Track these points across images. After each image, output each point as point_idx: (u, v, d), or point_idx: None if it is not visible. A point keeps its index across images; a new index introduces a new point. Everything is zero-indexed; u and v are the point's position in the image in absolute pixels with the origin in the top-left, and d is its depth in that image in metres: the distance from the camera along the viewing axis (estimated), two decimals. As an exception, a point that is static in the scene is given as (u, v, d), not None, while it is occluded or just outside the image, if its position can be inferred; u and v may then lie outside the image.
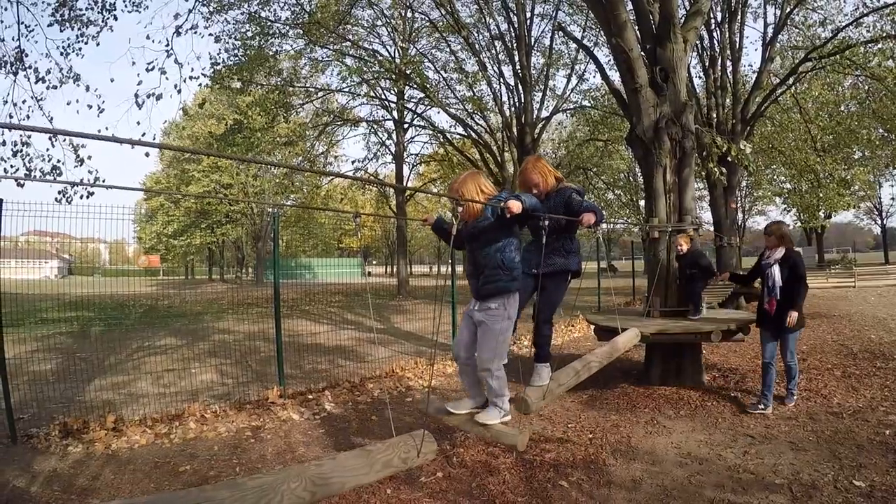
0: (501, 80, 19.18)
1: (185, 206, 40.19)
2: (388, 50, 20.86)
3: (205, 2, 13.22)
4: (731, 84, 16.04)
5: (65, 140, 8.90)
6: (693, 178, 7.41)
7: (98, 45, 10.01)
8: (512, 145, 19.06)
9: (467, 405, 3.38)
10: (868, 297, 17.04)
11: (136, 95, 10.10)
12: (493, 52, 18.89)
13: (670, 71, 7.07)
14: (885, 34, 13.96)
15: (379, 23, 19.87)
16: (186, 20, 11.30)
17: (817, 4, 16.52)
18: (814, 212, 25.26)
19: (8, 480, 4.32)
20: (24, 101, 9.19)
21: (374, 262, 68.41)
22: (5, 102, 8.94)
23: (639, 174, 26.04)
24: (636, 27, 7.73)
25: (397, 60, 18.89)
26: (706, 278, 6.69)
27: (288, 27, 15.67)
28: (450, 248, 3.27)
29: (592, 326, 7.39)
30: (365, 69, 17.87)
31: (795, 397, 5.73)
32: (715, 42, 16.29)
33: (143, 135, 10.55)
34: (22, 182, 7.57)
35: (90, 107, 9.35)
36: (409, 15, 20.48)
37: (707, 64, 16.55)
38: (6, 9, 9.03)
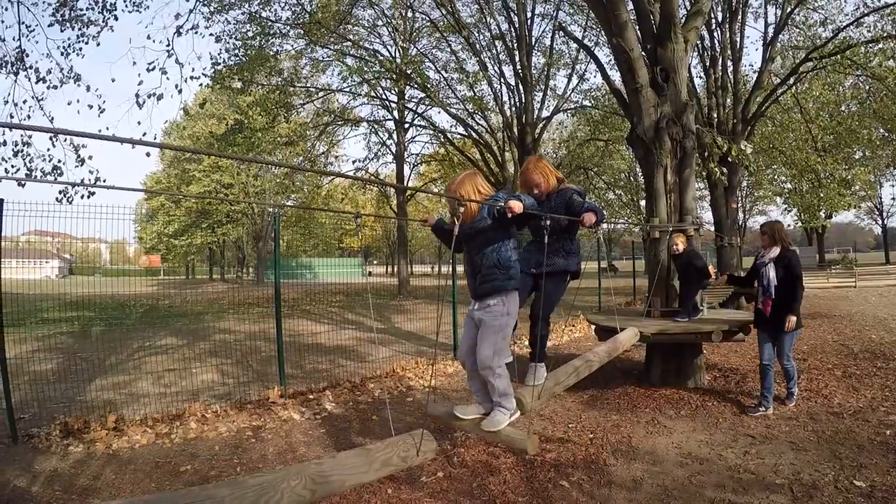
0: (502, 79, 19.20)
1: (185, 206, 40.22)
2: (388, 50, 20.88)
3: (206, 2, 13.23)
4: (732, 84, 16.04)
5: (66, 140, 8.92)
6: (694, 178, 7.41)
7: (98, 45, 10.03)
8: (513, 145, 19.06)
9: (476, 410, 3.37)
10: (869, 297, 17.03)
11: (137, 95, 10.10)
12: (494, 51, 18.89)
13: (671, 71, 7.07)
14: (885, 34, 13.96)
15: (379, 23, 19.88)
16: (187, 20, 11.33)
17: (818, 4, 16.51)
18: (814, 212, 25.24)
19: (9, 480, 4.32)
20: (24, 101, 9.20)
21: (375, 262, 68.45)
22: (6, 102, 8.97)
23: (639, 174, 26.12)
24: (637, 27, 7.73)
25: (398, 60, 18.89)
26: (700, 280, 6.62)
27: (289, 27, 15.68)
28: (450, 249, 3.27)
29: (593, 326, 7.39)
30: (366, 69, 17.86)
31: (796, 397, 5.70)
32: (716, 42, 16.28)
33: (144, 134, 10.55)
34: (23, 182, 7.57)
35: (91, 107, 9.37)
36: (409, 15, 20.47)
37: (708, 64, 16.55)
38: (7, 9, 9.04)
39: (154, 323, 14.12)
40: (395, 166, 24.94)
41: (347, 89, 19.89)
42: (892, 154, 23.22)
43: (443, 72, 20.08)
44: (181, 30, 11.14)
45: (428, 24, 19.46)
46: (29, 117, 9.08)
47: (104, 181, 9.27)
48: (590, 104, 21.09)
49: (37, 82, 9.15)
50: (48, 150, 8.93)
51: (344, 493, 3.75)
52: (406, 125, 23.83)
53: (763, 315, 5.62)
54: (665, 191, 7.01)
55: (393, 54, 20.52)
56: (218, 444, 5.19)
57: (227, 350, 10.24)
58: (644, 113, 7.05)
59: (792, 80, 15.50)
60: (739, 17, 16.06)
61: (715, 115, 16.16)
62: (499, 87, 19.07)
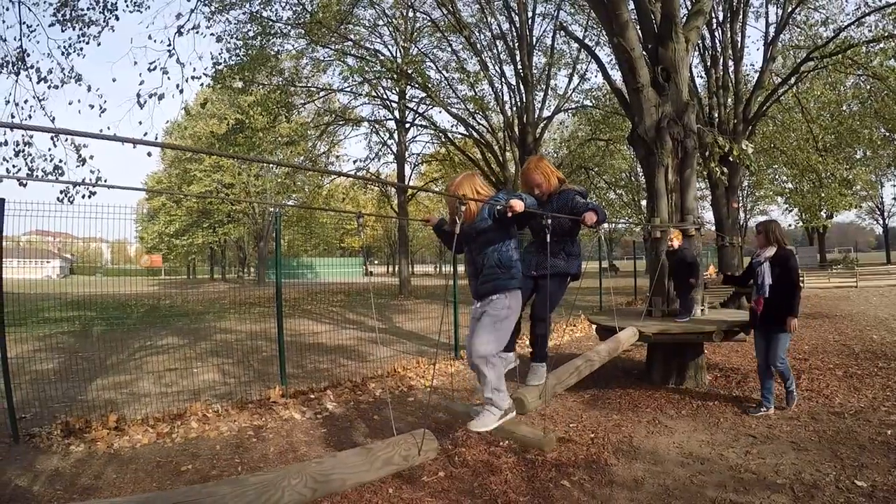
0: (503, 79, 19.23)
1: (187, 206, 40.24)
2: (389, 49, 20.93)
3: (207, 2, 13.24)
4: (733, 83, 16.03)
5: (67, 140, 8.93)
6: (695, 178, 7.40)
7: (99, 45, 10.05)
8: (513, 145, 19.07)
9: None
10: (870, 297, 17.02)
11: (139, 95, 10.11)
12: (495, 51, 18.91)
13: (672, 70, 7.06)
14: (886, 34, 13.96)
15: (380, 22, 19.91)
16: (188, 20, 11.35)
17: (819, 4, 16.53)
18: (815, 211, 25.29)
19: (10, 479, 4.33)
20: (25, 101, 9.21)
21: (376, 262, 68.44)
22: (7, 102, 8.98)
23: (640, 174, 26.14)
24: (638, 27, 7.73)
25: (399, 60, 18.91)
26: (690, 275, 6.60)
27: (289, 27, 15.70)
28: (450, 250, 3.27)
29: (594, 326, 7.38)
30: (366, 69, 17.87)
31: (797, 396, 5.64)
32: (717, 41, 16.29)
33: (146, 134, 10.57)
34: (24, 182, 7.59)
35: (92, 107, 9.39)
36: (410, 14, 20.49)
37: (709, 63, 16.56)
38: (8, 9, 9.05)
39: (155, 322, 14.13)
40: (396, 166, 24.96)
41: (348, 89, 19.96)
42: (893, 154, 23.23)
43: (444, 71, 20.12)
44: (182, 29, 11.17)
45: (429, 23, 19.49)
46: (30, 117, 9.11)
47: (105, 181, 9.29)
48: (591, 104, 21.11)
49: (38, 82, 9.18)
50: (49, 150, 8.96)
51: (345, 492, 3.75)
52: (407, 125, 23.86)
53: (755, 314, 5.60)
54: (666, 190, 7.01)
55: (394, 54, 20.57)
56: (219, 444, 5.20)
57: (228, 350, 10.25)
58: (645, 112, 7.04)
59: (793, 80, 15.52)
60: (740, 16, 16.06)
61: (716, 115, 16.16)
62: (500, 86, 19.11)
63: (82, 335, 12.11)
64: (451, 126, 23.18)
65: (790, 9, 15.58)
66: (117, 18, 9.90)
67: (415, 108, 22.47)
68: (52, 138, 8.95)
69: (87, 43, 9.85)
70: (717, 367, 7.61)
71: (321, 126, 21.25)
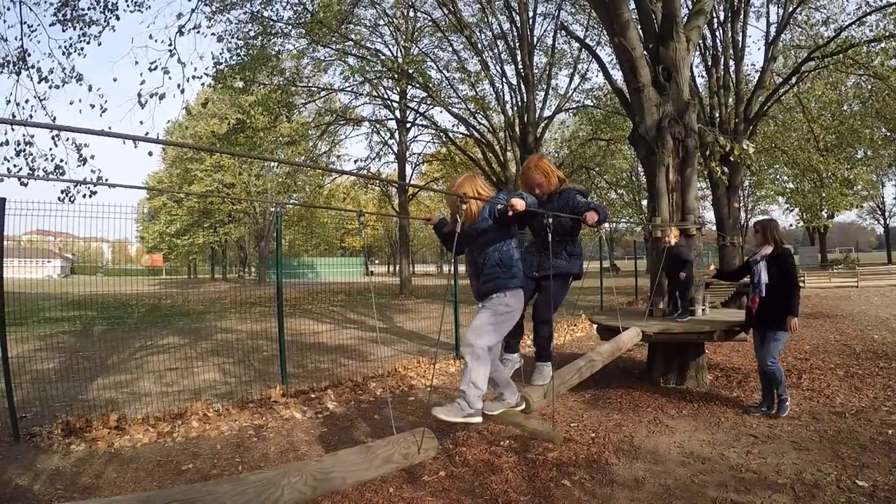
0: (504, 79, 19.22)
1: (187, 206, 40.27)
2: (390, 49, 20.93)
3: (207, 1, 13.25)
4: (734, 83, 16.02)
5: (68, 139, 8.94)
6: (696, 178, 7.40)
7: (100, 44, 10.05)
8: (514, 144, 19.08)
9: (501, 405, 3.42)
10: (871, 297, 17.01)
11: (139, 95, 10.11)
12: (496, 51, 18.90)
13: (673, 70, 7.06)
14: (887, 33, 13.95)
15: (381, 22, 19.91)
16: (189, 20, 11.33)
17: (820, 3, 16.52)
18: (816, 211, 25.25)
19: (11, 478, 4.33)
20: (26, 101, 9.22)
21: (377, 262, 68.45)
22: (8, 102, 8.99)
23: (641, 173, 26.13)
24: (639, 26, 7.72)
25: (400, 60, 18.91)
26: (682, 269, 6.58)
27: (290, 27, 15.69)
28: (450, 251, 3.27)
29: (595, 326, 7.38)
30: (367, 68, 17.87)
31: (788, 403, 5.39)
32: (717, 41, 16.27)
33: (147, 133, 10.56)
34: (25, 181, 7.60)
35: (93, 106, 9.38)
36: (411, 14, 20.49)
37: (710, 63, 16.54)
38: (9, 8, 9.06)
39: (156, 322, 14.14)
40: (397, 166, 24.96)
41: (349, 89, 19.97)
42: (894, 154, 23.21)
43: (444, 71, 20.12)
44: (183, 29, 11.16)
45: (430, 23, 19.50)
46: (31, 117, 9.11)
47: (106, 180, 9.28)
48: (592, 103, 21.10)
49: (39, 82, 9.19)
50: (50, 149, 8.96)
51: (346, 491, 3.75)
52: (408, 125, 23.86)
53: (750, 313, 5.56)
54: (667, 190, 7.00)
55: (395, 54, 20.56)
56: (220, 443, 5.20)
57: (229, 349, 10.25)
58: (646, 112, 7.04)
59: (794, 80, 15.50)
60: (741, 16, 16.04)
61: (717, 115, 16.15)
62: (501, 86, 19.10)
63: (83, 335, 12.11)
64: (452, 126, 23.18)
65: (791, 8, 15.58)
66: (118, 18, 9.90)
67: (416, 108, 22.48)
68: (53, 138, 8.96)
69: (88, 43, 9.85)
70: (719, 366, 7.60)
71: (322, 126, 21.26)
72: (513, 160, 20.34)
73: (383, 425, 5.64)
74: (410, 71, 17.38)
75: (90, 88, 9.45)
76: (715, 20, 15.87)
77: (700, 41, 15.01)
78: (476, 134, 20.26)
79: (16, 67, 8.98)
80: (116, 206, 6.15)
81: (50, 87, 9.36)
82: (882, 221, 50.92)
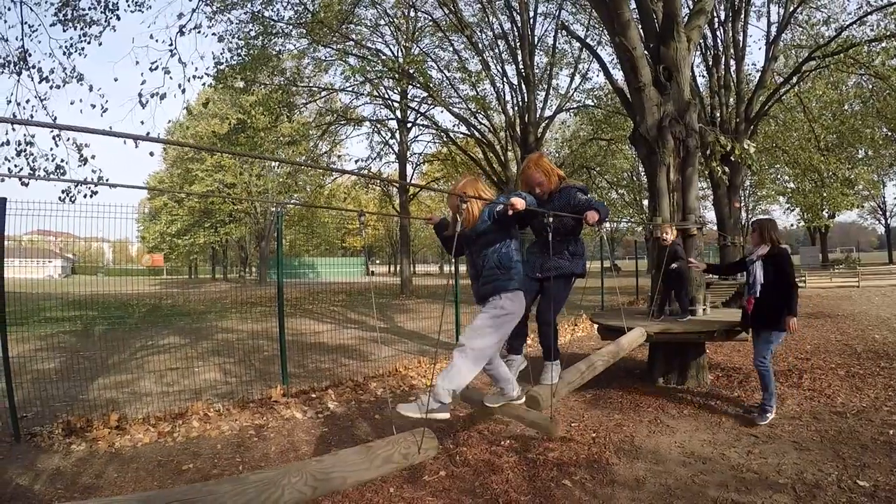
0: (505, 79, 19.22)
1: (188, 206, 40.30)
2: (391, 49, 20.95)
3: (208, 1, 13.24)
4: (735, 83, 16.03)
5: (69, 139, 8.94)
6: (696, 177, 7.39)
7: (101, 44, 10.06)
8: (515, 144, 19.08)
9: (502, 399, 3.49)
10: (872, 296, 16.98)
11: (140, 95, 10.11)
12: (497, 51, 18.90)
13: (674, 70, 7.05)
14: (888, 33, 13.95)
15: (382, 22, 19.93)
16: (190, 20, 11.33)
17: (821, 3, 16.53)
18: (817, 211, 25.26)
19: (11, 478, 4.33)
20: (27, 101, 9.23)
21: (378, 262, 68.43)
22: (9, 102, 8.99)
23: (642, 173, 26.09)
24: (639, 26, 7.72)
25: (400, 60, 18.91)
26: (678, 266, 6.57)
27: (291, 27, 15.69)
28: (449, 253, 3.30)
29: (596, 326, 7.37)
30: (368, 68, 17.88)
31: (770, 415, 5.15)
32: (718, 41, 16.28)
33: (148, 134, 10.55)
34: (26, 181, 7.60)
35: (94, 106, 9.38)
36: (412, 14, 20.50)
37: (710, 63, 16.55)
38: (9, 9, 9.07)
39: (157, 322, 14.14)
40: (398, 166, 24.98)
41: (350, 89, 19.99)
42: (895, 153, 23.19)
43: (445, 71, 20.13)
44: (184, 29, 11.16)
45: (430, 23, 19.50)
46: (32, 116, 9.11)
47: (107, 180, 9.29)
48: (592, 103, 21.11)
49: (40, 82, 9.19)
50: (51, 149, 8.97)
51: (346, 491, 3.75)
52: (409, 124, 23.88)
53: (746, 314, 5.49)
54: (668, 190, 7.00)
55: (395, 54, 20.57)
56: (220, 443, 5.20)
57: (230, 349, 10.25)
58: (647, 112, 7.04)
59: (795, 80, 15.50)
60: (742, 15, 16.06)
61: (718, 114, 16.16)
62: (501, 86, 19.10)
63: (84, 335, 12.12)
64: (453, 126, 23.19)
65: (792, 8, 15.58)
66: (118, 18, 9.91)
67: (416, 108, 22.51)
68: (54, 138, 8.97)
69: (89, 43, 9.86)
70: (719, 366, 7.59)
71: (323, 126, 21.28)
72: (514, 160, 20.34)
73: (384, 425, 5.64)
74: (411, 71, 17.39)
75: (91, 88, 9.46)
76: (716, 20, 15.89)
77: (701, 41, 15.02)
78: (477, 134, 20.27)
79: (17, 67, 8.99)
80: (117, 206, 6.16)
81: (51, 87, 9.36)
82: (883, 221, 50.91)
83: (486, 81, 18.61)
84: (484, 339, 3.15)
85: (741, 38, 16.16)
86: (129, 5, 10.25)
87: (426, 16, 19.43)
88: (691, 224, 6.96)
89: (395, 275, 42.42)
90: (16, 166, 8.74)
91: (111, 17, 9.84)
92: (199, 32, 11.69)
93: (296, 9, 15.42)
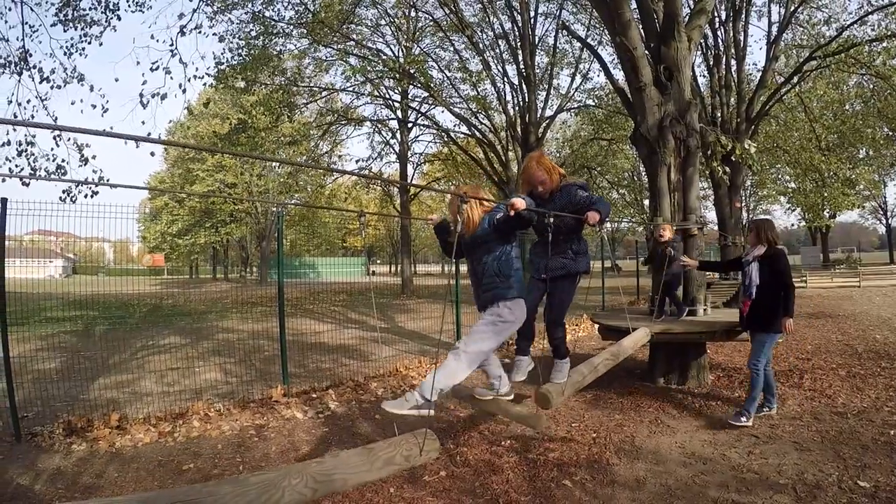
0: (505, 79, 19.21)
1: (189, 206, 40.29)
2: (391, 49, 20.93)
3: (209, 1, 13.24)
4: (736, 83, 16.02)
5: (69, 140, 8.94)
6: (697, 177, 7.39)
7: (101, 45, 10.06)
8: (516, 144, 19.08)
9: (490, 393, 3.57)
10: (873, 296, 16.97)
11: (141, 95, 10.11)
12: (497, 51, 18.89)
13: (674, 70, 7.05)
14: (889, 33, 13.94)
15: (383, 22, 19.92)
16: (190, 20, 11.33)
17: (822, 3, 16.51)
18: (818, 211, 25.23)
19: (12, 478, 4.33)
20: (28, 101, 9.23)
21: (378, 262, 68.47)
22: (10, 102, 9.00)
23: (643, 173, 26.06)
24: (640, 26, 7.71)
25: (401, 60, 18.91)
26: (673, 263, 6.55)
27: (292, 27, 15.70)
28: (449, 256, 3.33)
29: (597, 326, 7.37)
30: (369, 68, 17.88)
31: (745, 419, 5.03)
32: (719, 41, 16.27)
33: (149, 134, 10.55)
34: (27, 181, 7.60)
35: (94, 107, 9.38)
36: (412, 14, 20.49)
37: (711, 63, 16.54)
38: (10, 9, 9.07)
39: (157, 322, 14.15)
40: (399, 166, 24.98)
41: (351, 89, 20.01)
42: (897, 153, 23.18)
43: (446, 71, 20.12)
44: (185, 29, 11.16)
45: (431, 23, 19.49)
46: (33, 117, 9.11)
47: (108, 181, 9.28)
48: (593, 103, 21.11)
49: (40, 82, 9.19)
50: (52, 149, 8.97)
51: (346, 491, 3.75)
52: (409, 124, 23.87)
53: (741, 315, 5.44)
54: (669, 189, 6.99)
55: (396, 53, 20.56)
56: (221, 443, 5.20)
57: (231, 349, 10.26)
58: (648, 112, 7.03)
59: (796, 79, 15.49)
60: (743, 15, 16.05)
61: (719, 114, 16.14)
62: (502, 86, 19.08)
63: (85, 335, 12.12)
64: (454, 125, 23.19)
65: (793, 8, 15.57)
66: (119, 18, 9.91)
67: (417, 108, 22.51)
68: (54, 138, 8.97)
69: (90, 43, 9.85)
70: (720, 366, 7.59)
71: (324, 126, 21.28)
72: (514, 160, 20.34)
73: (385, 425, 5.63)
74: (412, 71, 17.39)
75: (92, 88, 9.46)
76: (716, 19, 15.87)
77: (701, 40, 15.00)
78: (478, 134, 20.27)
79: (17, 68, 9.00)
80: (118, 206, 6.16)
81: (51, 88, 9.36)
82: (884, 221, 50.82)
83: (486, 81, 18.64)
84: (480, 345, 3.20)
85: (742, 38, 16.15)
86: (129, 5, 10.25)
87: (427, 16, 19.45)
88: (692, 224, 6.95)
89: (395, 275, 42.45)
90: (17, 166, 8.75)
91: (112, 18, 9.84)
92: (199, 32, 11.69)
93: (296, 9, 15.44)
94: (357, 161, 25.95)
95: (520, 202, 2.94)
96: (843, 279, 22.57)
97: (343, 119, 21.48)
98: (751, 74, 17.22)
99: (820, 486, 3.76)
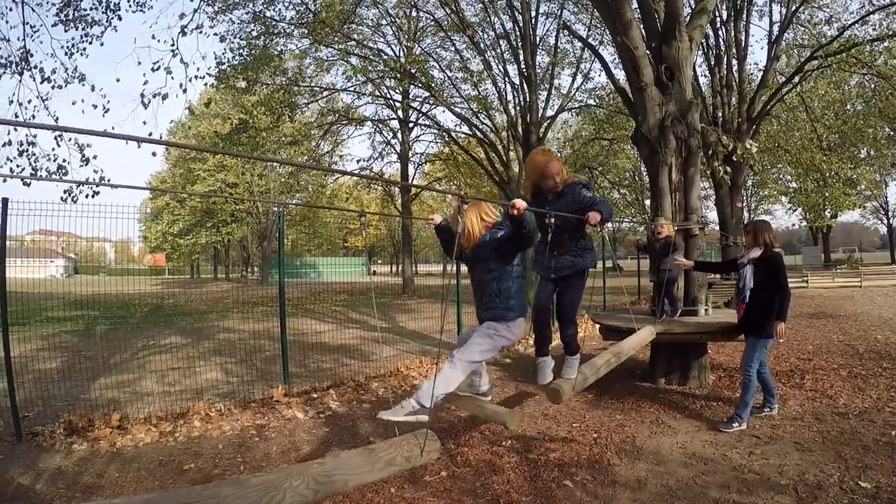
0: (506, 78, 19.15)
1: (190, 206, 40.32)
2: (392, 49, 20.91)
3: (210, 1, 13.25)
4: (737, 83, 15.99)
5: (70, 140, 8.94)
6: (699, 177, 7.38)
7: (102, 45, 10.07)
8: (517, 144, 19.05)
9: (469, 391, 3.65)
10: (874, 297, 16.96)
11: (142, 95, 10.12)
12: (498, 50, 18.85)
13: (676, 69, 7.04)
14: (891, 32, 13.91)
15: (384, 22, 19.90)
16: (191, 20, 11.34)
17: (823, 2, 16.47)
18: (820, 211, 25.19)
19: (13, 478, 4.34)
20: (29, 101, 9.25)
21: (380, 262, 68.45)
22: (11, 102, 9.00)
23: (644, 173, 26.05)
24: (641, 26, 7.70)
25: (402, 59, 18.91)
26: (668, 260, 6.53)
27: (293, 27, 15.69)
28: (449, 256, 3.36)
29: (597, 326, 7.36)
30: (370, 68, 17.87)
31: (737, 425, 4.98)
32: (720, 40, 16.23)
33: (150, 134, 10.56)
34: (28, 181, 7.60)
35: (95, 107, 9.39)
36: (413, 14, 20.49)
37: (712, 62, 16.50)
38: (11, 9, 9.07)
39: (158, 322, 14.16)
40: (400, 165, 25.00)
41: (352, 88, 19.99)
42: (898, 153, 23.16)
43: (447, 71, 20.09)
44: (186, 29, 11.17)
45: (432, 23, 19.46)
46: (34, 117, 9.12)
47: (109, 180, 9.29)
48: (594, 103, 21.05)
49: (41, 82, 9.19)
50: (53, 149, 8.99)
51: (347, 491, 3.75)
52: (410, 124, 23.88)
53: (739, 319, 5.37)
54: (670, 189, 6.98)
55: (397, 53, 20.55)
56: (221, 443, 5.20)
57: (231, 349, 10.26)
58: (649, 112, 7.02)
59: (797, 79, 15.46)
60: (744, 15, 16.01)
61: (720, 114, 16.11)
62: (503, 86, 19.03)
63: (85, 334, 12.14)
64: (455, 125, 23.20)
65: (794, 7, 15.53)
66: (120, 18, 9.91)
67: (418, 108, 22.50)
68: (55, 138, 8.98)
69: (91, 43, 9.86)
70: (721, 367, 7.58)
71: (325, 126, 21.28)
72: (516, 160, 20.33)
73: (385, 425, 5.61)
74: (413, 70, 17.38)
75: (93, 88, 9.47)
76: (717, 19, 15.83)
77: (703, 40, 14.99)
78: (479, 134, 20.25)
79: (18, 68, 9.00)
80: (119, 206, 6.18)
81: (52, 88, 9.37)
82: (885, 221, 50.72)
83: (487, 81, 18.60)
84: (474, 355, 3.29)
85: (743, 38, 16.11)
86: (130, 5, 10.24)
87: (428, 16, 19.41)
88: (693, 224, 6.94)
89: (396, 275, 42.44)
90: (18, 166, 8.76)
91: (112, 18, 9.85)
92: (200, 32, 11.70)
93: (297, 9, 15.43)
94: (358, 161, 26.00)
95: (521, 202, 2.94)
96: (845, 279, 22.55)
97: (344, 119, 21.48)
98: (752, 74, 17.20)
99: (821, 487, 3.76)
